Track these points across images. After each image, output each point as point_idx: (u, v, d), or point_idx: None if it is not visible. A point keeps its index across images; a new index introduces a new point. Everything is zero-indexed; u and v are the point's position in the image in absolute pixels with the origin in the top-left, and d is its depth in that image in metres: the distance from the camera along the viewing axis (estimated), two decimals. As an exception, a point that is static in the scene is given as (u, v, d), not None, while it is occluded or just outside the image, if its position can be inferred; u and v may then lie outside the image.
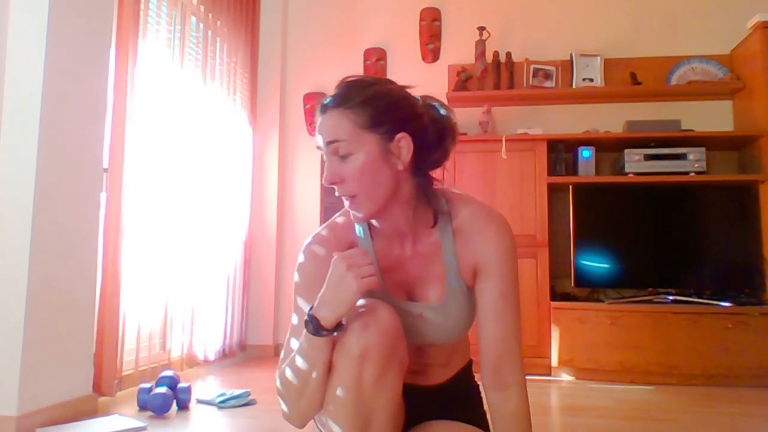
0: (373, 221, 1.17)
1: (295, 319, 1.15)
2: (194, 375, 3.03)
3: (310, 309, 1.03)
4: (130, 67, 2.54)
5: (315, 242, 1.17)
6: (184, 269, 2.99)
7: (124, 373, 2.53)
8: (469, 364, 1.32)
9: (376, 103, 1.08)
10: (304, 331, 1.03)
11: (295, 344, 1.09)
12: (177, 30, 2.99)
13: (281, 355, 1.13)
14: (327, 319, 1.00)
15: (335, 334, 1.02)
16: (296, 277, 1.17)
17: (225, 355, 3.45)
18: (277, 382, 1.10)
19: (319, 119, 1.10)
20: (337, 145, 1.07)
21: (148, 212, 2.70)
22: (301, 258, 1.17)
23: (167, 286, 2.85)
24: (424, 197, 1.15)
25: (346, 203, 1.11)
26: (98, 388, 2.36)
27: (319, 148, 1.11)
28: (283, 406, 1.10)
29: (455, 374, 1.26)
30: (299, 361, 1.04)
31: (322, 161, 1.13)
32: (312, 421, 1.18)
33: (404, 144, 1.09)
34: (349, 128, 1.07)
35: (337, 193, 1.10)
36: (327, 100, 1.10)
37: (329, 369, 1.04)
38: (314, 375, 1.03)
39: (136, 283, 2.61)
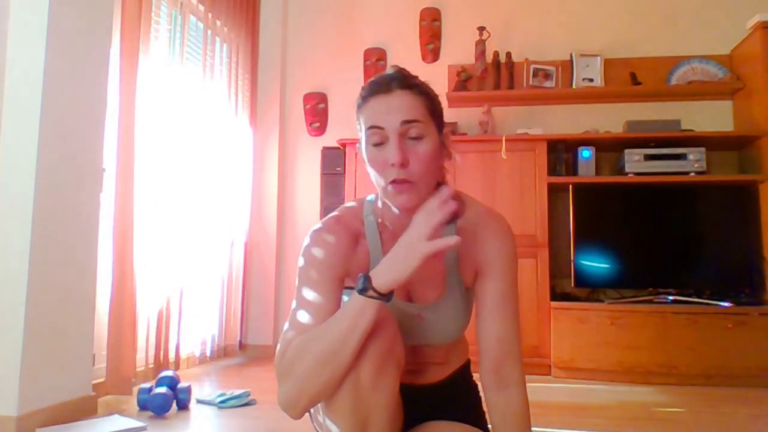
0: (385, 218, 1.15)
1: (304, 290, 1.09)
2: (194, 375, 3.03)
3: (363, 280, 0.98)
4: (131, 68, 2.55)
5: (325, 229, 1.14)
6: (185, 269, 2.99)
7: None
8: (467, 363, 1.32)
9: (432, 93, 1.11)
10: (353, 292, 0.98)
11: (303, 317, 1.06)
12: (177, 30, 2.99)
13: (285, 327, 1.07)
14: (381, 280, 0.96)
15: (383, 301, 0.97)
16: (302, 262, 1.12)
17: (225, 355, 3.45)
18: (284, 358, 1.02)
19: (380, 98, 1.06)
20: (413, 126, 1.05)
21: (149, 213, 2.70)
22: (309, 244, 1.13)
23: (167, 285, 2.84)
24: None
25: (390, 190, 1.05)
26: (109, 388, 2.38)
27: (376, 127, 1.05)
28: (287, 386, 1.01)
29: (452, 373, 1.26)
30: (336, 327, 0.98)
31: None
32: (310, 421, 1.19)
33: (449, 139, 1.13)
34: (422, 111, 1.07)
35: (392, 177, 1.04)
36: (388, 80, 1.07)
37: (358, 351, 0.98)
38: (350, 342, 0.96)
39: (137, 282, 2.61)
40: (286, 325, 1.08)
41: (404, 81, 1.08)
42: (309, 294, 1.09)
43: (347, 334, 0.97)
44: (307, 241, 1.14)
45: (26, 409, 1.96)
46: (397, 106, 1.05)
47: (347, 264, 1.13)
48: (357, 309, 0.97)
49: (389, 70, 1.11)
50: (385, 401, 1.03)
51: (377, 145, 1.06)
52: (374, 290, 0.96)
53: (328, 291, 1.08)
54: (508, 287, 1.14)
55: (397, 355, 1.05)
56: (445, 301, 1.15)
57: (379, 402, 1.02)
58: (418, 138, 1.05)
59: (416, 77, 1.11)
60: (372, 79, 1.11)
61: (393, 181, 1.04)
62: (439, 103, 1.12)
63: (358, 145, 1.14)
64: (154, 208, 2.74)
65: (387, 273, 0.97)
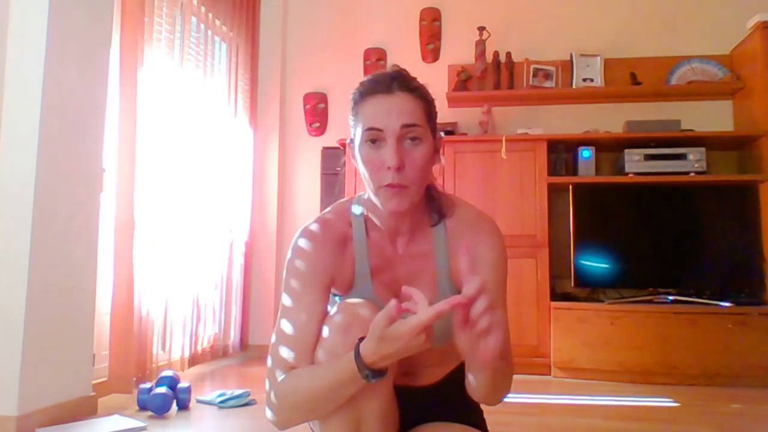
0: (373, 217, 1.15)
1: (288, 301, 1.09)
2: (194, 375, 3.03)
3: (358, 353, 0.94)
4: (132, 69, 2.55)
5: (305, 237, 1.13)
6: (186, 269, 2.99)
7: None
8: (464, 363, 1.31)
9: (430, 98, 1.10)
10: (348, 367, 0.95)
11: (287, 327, 1.07)
12: (177, 30, 2.99)
13: (272, 340, 1.08)
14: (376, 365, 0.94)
15: (379, 378, 0.96)
16: (286, 272, 1.12)
17: (226, 355, 3.45)
18: (274, 399, 1.04)
19: (381, 98, 1.04)
20: (413, 130, 1.04)
21: (150, 213, 2.70)
22: (292, 257, 1.12)
23: (168, 285, 2.84)
24: (428, 197, 1.15)
25: (382, 192, 1.04)
26: (110, 386, 2.39)
27: (375, 129, 1.03)
28: (272, 411, 1.05)
29: (449, 373, 1.25)
30: (320, 386, 0.99)
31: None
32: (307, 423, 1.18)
33: (442, 144, 1.13)
34: (421, 115, 1.06)
35: (386, 181, 1.03)
36: (389, 80, 1.05)
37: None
38: (337, 399, 0.99)
39: (138, 282, 2.61)
40: (273, 337, 1.08)
41: (405, 83, 1.06)
42: (291, 306, 1.08)
43: (335, 395, 0.98)
44: (292, 245, 1.13)
45: (26, 409, 1.96)
46: (398, 109, 1.03)
47: (332, 271, 1.12)
48: (347, 379, 0.96)
49: (389, 70, 1.09)
50: (376, 404, 1.02)
51: (373, 143, 1.05)
52: (369, 368, 0.93)
53: (311, 301, 1.08)
54: (501, 290, 1.14)
55: None
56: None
57: (370, 403, 1.01)
58: (415, 142, 1.04)
59: (416, 79, 1.10)
60: (371, 76, 1.09)
61: (387, 185, 1.03)
62: (435, 108, 1.11)
63: (349, 140, 1.12)
64: (154, 209, 2.74)
65: (380, 360, 0.93)
